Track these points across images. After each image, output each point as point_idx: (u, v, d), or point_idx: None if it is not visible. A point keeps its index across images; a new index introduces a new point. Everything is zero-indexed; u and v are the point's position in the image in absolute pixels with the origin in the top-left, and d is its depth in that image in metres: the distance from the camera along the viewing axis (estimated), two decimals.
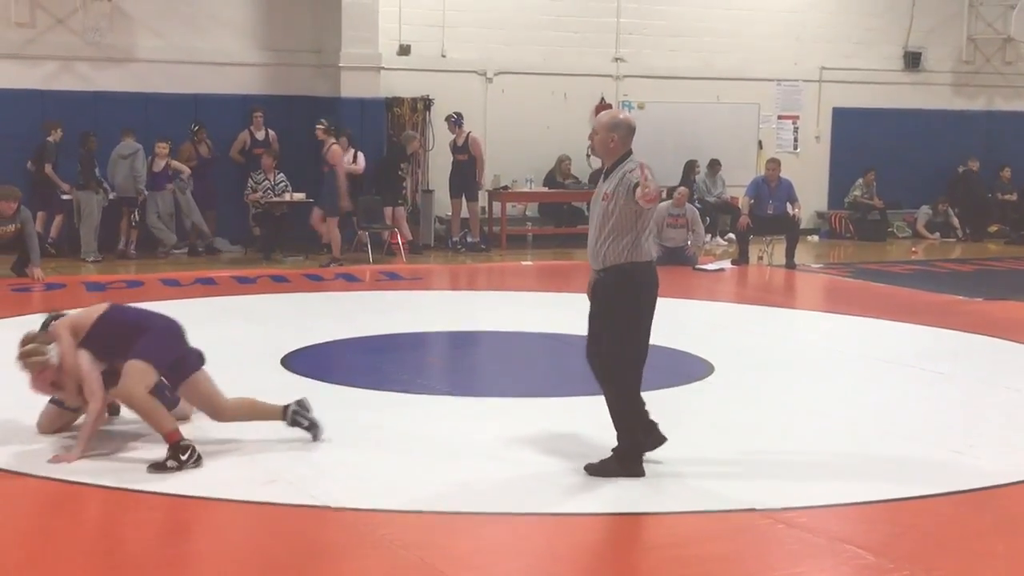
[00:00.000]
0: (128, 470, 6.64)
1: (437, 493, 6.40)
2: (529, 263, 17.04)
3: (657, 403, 8.45)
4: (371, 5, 17.56)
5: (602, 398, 6.78)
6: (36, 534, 5.89)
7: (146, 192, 16.31)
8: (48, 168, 15.87)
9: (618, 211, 6.54)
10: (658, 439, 6.87)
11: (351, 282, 14.69)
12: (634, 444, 6.73)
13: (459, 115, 17.87)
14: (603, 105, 19.33)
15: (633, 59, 19.79)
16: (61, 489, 6.39)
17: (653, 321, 6.71)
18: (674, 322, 12.19)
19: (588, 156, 7.13)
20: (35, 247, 13.90)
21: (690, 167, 19.71)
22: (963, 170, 21.71)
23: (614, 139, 6.64)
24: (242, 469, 6.70)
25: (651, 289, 6.68)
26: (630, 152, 6.67)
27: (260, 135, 17.27)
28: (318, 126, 16.09)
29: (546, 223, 19.39)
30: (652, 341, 6.73)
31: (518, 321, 11.97)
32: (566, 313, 12.49)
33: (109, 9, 16.56)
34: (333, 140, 16.00)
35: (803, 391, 9.14)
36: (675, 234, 16.36)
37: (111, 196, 16.12)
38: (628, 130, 6.68)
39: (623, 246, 6.56)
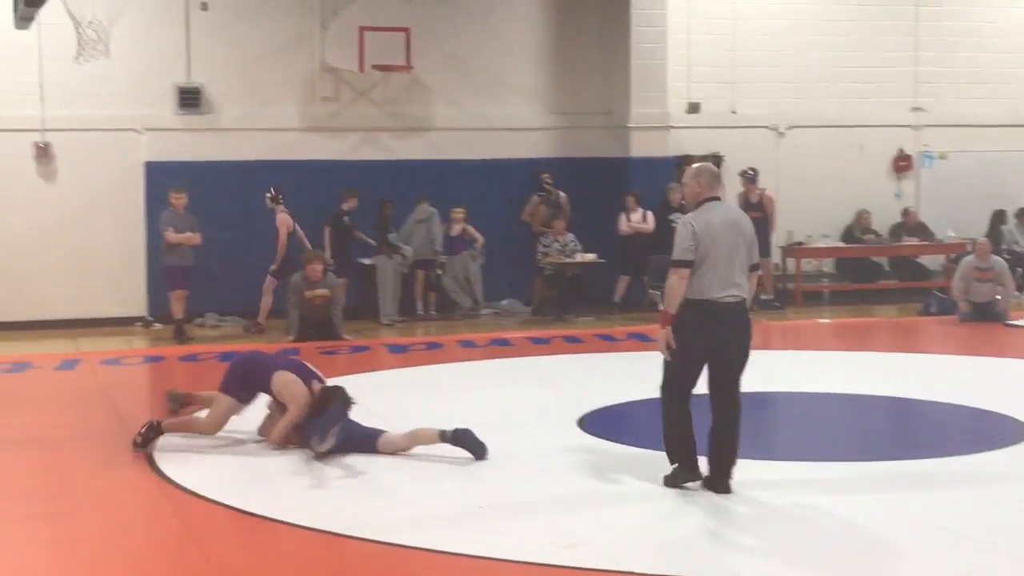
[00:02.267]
0: (431, 528, 6.73)
1: (741, 558, 6.24)
2: (826, 321, 16.59)
3: (968, 468, 8.08)
4: (660, 65, 17.62)
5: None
6: None
7: (445, 258, 16.78)
8: (328, 232, 16.00)
9: None
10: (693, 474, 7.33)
11: (644, 342, 14.59)
12: (677, 460, 7.36)
13: (755, 171, 17.60)
14: (901, 156, 18.84)
15: (934, 108, 19.12)
16: (361, 547, 6.50)
17: (717, 360, 7.18)
18: (984, 381, 11.63)
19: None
20: (338, 315, 14.41)
21: (998, 217, 18.88)
22: None
23: (700, 183, 7.33)
24: (542, 531, 6.68)
25: (698, 326, 7.12)
26: (716, 197, 7.28)
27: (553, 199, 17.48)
28: (267, 195, 15.45)
29: (843, 279, 18.87)
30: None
31: (813, 381, 11.64)
32: (867, 373, 12.13)
33: (408, 81, 17.22)
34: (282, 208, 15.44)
35: None
36: (983, 288, 15.58)
37: (409, 260, 16.56)
38: (711, 176, 7.39)
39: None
